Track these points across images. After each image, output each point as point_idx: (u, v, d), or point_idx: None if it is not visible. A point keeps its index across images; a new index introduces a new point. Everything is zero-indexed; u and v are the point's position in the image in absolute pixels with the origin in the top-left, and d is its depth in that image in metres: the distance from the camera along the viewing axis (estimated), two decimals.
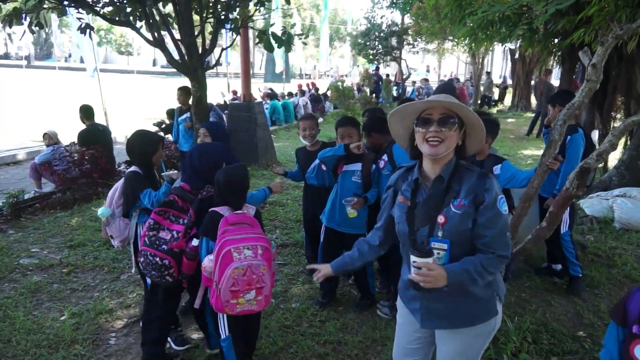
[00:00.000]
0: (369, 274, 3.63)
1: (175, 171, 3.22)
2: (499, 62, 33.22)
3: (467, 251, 1.74)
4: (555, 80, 15.66)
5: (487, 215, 1.70)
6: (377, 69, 24.13)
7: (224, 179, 2.56)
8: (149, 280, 3.11)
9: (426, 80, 22.25)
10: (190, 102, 6.84)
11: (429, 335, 1.98)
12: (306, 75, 39.23)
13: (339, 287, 3.97)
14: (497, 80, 25.72)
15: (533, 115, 14.14)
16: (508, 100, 21.57)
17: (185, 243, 2.65)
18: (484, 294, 1.81)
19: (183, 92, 6.84)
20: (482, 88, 19.89)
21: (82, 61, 11.90)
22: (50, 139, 6.81)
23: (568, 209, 3.80)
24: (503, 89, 22.28)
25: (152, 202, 2.93)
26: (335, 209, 3.49)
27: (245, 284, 2.37)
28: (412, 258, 1.62)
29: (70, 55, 46.20)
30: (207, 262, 2.47)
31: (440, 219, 1.73)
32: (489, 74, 20.65)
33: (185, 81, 5.74)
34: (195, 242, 2.63)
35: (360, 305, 3.65)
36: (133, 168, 3.02)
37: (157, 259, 2.63)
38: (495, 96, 21.40)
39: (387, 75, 24.52)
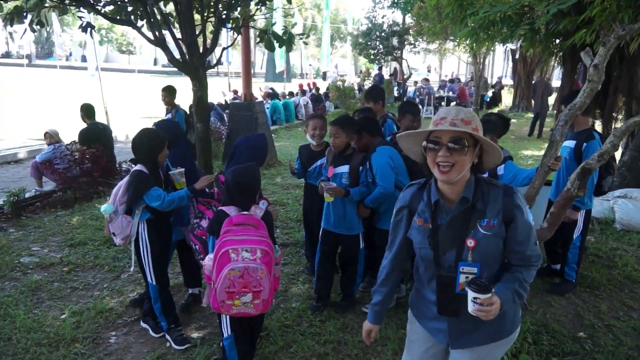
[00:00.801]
0: (358, 273, 3.64)
1: (182, 169, 3.21)
2: (500, 63, 33.22)
3: (496, 271, 1.71)
4: (556, 81, 15.65)
5: (522, 232, 1.66)
6: (380, 69, 24.09)
7: (232, 180, 2.55)
8: (151, 281, 3.13)
9: (427, 80, 22.22)
10: (175, 101, 6.87)
11: (443, 349, 1.92)
12: (307, 74, 39.27)
13: (339, 287, 3.97)
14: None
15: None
16: (504, 100, 21.55)
17: None
18: (511, 307, 1.76)
19: (167, 92, 6.84)
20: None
21: (84, 60, 11.93)
22: (52, 137, 6.82)
23: (584, 215, 3.80)
24: (498, 89, 22.24)
25: (163, 203, 2.95)
26: (330, 211, 3.50)
27: (242, 286, 2.36)
28: (473, 294, 1.56)
29: (70, 54, 46.23)
30: (207, 260, 2.48)
31: (470, 242, 1.65)
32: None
33: (185, 80, 5.74)
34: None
35: (342, 307, 3.65)
36: (139, 167, 3.02)
37: (192, 243, 3.05)
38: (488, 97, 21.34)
39: (390, 75, 24.48)
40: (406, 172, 3.49)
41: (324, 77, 35.92)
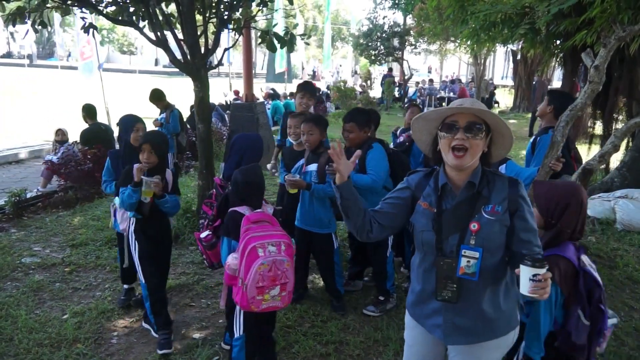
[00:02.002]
0: (337, 272, 3.63)
1: (157, 179, 2.96)
2: (501, 64, 33.23)
3: (498, 258, 1.71)
4: (557, 82, 15.67)
5: (529, 221, 1.69)
6: (390, 69, 24.06)
7: (242, 180, 2.60)
8: (141, 278, 3.18)
9: (431, 81, 22.26)
10: (168, 102, 6.90)
11: (442, 351, 1.92)
12: (309, 75, 39.32)
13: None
14: (498, 81, 25.72)
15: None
16: (502, 101, 21.60)
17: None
18: (507, 306, 1.77)
19: (157, 100, 6.85)
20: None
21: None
22: (64, 135, 6.84)
23: None
24: (492, 89, 22.27)
25: (121, 201, 3.02)
26: (304, 209, 3.53)
27: (271, 280, 2.40)
28: (533, 271, 1.47)
29: (70, 55, 46.21)
30: (231, 260, 2.47)
31: (474, 226, 1.67)
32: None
33: (187, 81, 5.75)
34: (204, 234, 2.78)
35: (337, 307, 3.65)
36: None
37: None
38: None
39: (388, 75, 24.50)
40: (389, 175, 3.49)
41: (313, 76, 36.25)
